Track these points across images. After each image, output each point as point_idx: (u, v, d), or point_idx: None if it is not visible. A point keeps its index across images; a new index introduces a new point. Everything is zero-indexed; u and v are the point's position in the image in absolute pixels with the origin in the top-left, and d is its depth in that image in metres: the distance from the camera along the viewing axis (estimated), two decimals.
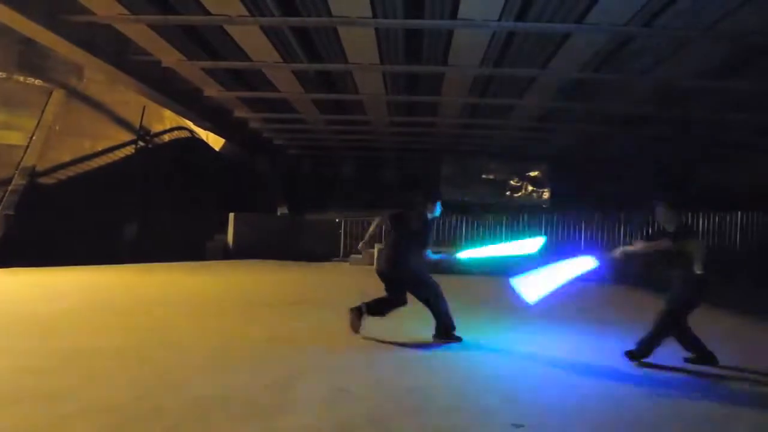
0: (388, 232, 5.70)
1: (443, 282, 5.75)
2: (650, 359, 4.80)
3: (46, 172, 13.45)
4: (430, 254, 5.65)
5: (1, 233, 11.79)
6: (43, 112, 13.77)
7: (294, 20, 9.03)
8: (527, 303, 5.31)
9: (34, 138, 13.38)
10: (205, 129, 19.79)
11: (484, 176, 23.18)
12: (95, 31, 10.11)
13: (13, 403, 3.39)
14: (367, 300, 5.62)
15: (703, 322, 5.06)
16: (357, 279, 11.04)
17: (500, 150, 21.14)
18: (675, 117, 14.16)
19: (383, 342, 5.48)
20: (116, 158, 15.39)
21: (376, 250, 13.26)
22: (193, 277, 10.56)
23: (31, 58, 13.59)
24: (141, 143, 16.38)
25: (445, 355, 5.10)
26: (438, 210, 5.66)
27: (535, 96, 13.04)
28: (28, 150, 13.22)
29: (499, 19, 8.60)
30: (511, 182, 23.22)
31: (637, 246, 5.19)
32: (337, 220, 15.95)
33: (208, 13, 8.91)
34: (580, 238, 15.41)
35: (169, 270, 11.56)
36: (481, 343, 5.62)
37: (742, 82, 11.13)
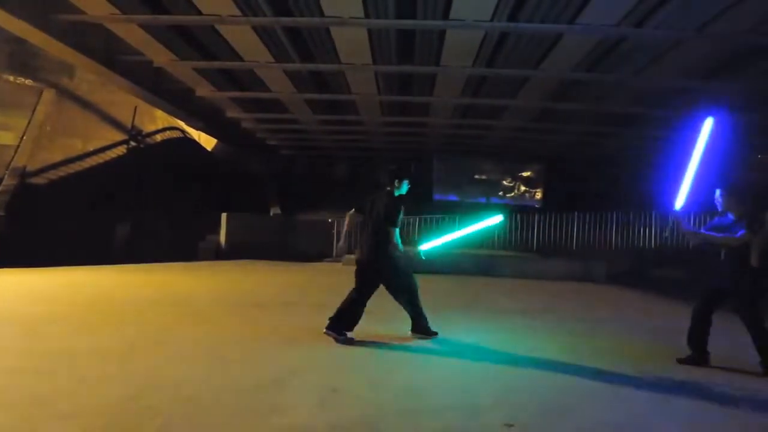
0: (365, 224, 5.53)
1: (432, 282, 5.75)
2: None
3: (37, 173, 13.36)
4: (397, 236, 5.40)
5: None
6: (34, 112, 13.68)
7: (286, 20, 9.02)
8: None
9: (24, 138, 13.29)
10: (197, 129, 19.74)
11: (476, 176, 23.23)
12: (86, 30, 10.06)
13: (3, 404, 3.37)
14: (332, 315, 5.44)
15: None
16: (349, 279, 11.02)
17: (493, 150, 21.20)
18: (668, 116, 14.24)
19: (374, 341, 5.49)
20: (108, 158, 15.31)
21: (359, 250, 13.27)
22: (185, 278, 10.51)
23: (21, 58, 13.51)
24: (133, 143, 16.31)
25: (437, 353, 5.10)
26: (405, 188, 5.53)
27: (528, 96, 13.08)
28: (19, 150, 13.13)
29: (492, 20, 8.63)
30: (504, 182, 23.29)
31: (712, 237, 4.85)
32: (330, 220, 15.94)
33: (200, 12, 8.89)
34: (573, 237, 15.51)
35: (161, 270, 11.50)
36: (472, 341, 5.63)
37: (735, 82, 11.22)
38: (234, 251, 15.16)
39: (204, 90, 13.85)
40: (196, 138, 21.07)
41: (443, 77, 11.95)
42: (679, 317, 4.92)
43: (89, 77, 14.03)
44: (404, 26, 9.20)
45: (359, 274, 5.54)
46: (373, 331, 6.01)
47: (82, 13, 9.17)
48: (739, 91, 11.87)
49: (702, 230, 5.03)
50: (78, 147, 14.48)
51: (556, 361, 5.01)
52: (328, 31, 9.57)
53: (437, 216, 15.54)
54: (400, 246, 5.51)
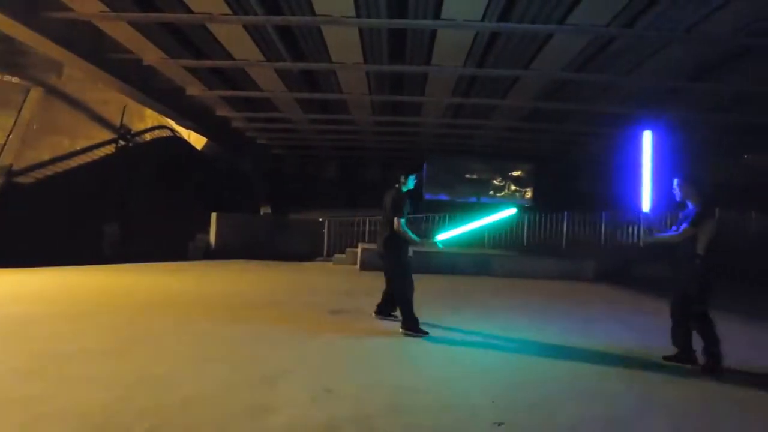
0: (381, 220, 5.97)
1: (425, 281, 5.78)
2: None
3: (24, 171, 13.20)
4: (404, 227, 5.71)
5: None
6: (20, 110, 13.52)
7: (277, 19, 8.99)
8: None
9: (11, 136, 13.13)
10: (186, 128, 19.61)
11: (467, 176, 23.29)
12: (75, 28, 9.96)
13: None
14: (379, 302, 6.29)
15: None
16: (341, 279, 11.04)
17: (483, 150, 21.27)
18: (657, 116, 14.36)
19: (367, 339, 5.49)
20: (96, 157, 15.16)
21: (359, 250, 13.28)
22: (175, 278, 10.46)
23: (8, 56, 13.34)
24: (121, 142, 16.17)
25: (429, 352, 5.12)
26: (412, 182, 5.95)
27: (518, 96, 13.14)
28: (5, 148, 12.97)
29: (482, 20, 8.66)
30: (495, 182, 23.37)
31: (664, 236, 5.13)
32: (320, 220, 15.91)
33: (191, 11, 8.83)
34: (563, 236, 15.60)
35: (150, 270, 11.43)
36: (463, 340, 5.65)
37: (720, 83, 11.34)
38: (224, 251, 15.10)
39: (194, 89, 13.77)
40: (186, 137, 20.93)
41: (434, 77, 11.97)
42: (667, 315, 4.97)
43: (77, 75, 13.88)
44: (396, 25, 9.20)
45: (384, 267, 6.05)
46: (367, 327, 6.02)
47: (71, 10, 9.08)
48: (723, 92, 12.02)
49: (670, 231, 5.10)
50: (65, 145, 14.32)
51: (548, 360, 5.05)
52: (319, 29, 9.55)
53: (429, 215, 15.60)
54: (413, 236, 5.81)
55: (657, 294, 10.24)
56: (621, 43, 9.48)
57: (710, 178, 19.79)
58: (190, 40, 10.58)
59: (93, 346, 4.83)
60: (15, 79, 13.61)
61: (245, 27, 9.52)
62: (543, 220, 15.70)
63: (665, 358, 5.02)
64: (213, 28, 9.67)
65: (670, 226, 5.46)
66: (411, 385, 4.05)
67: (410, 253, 5.95)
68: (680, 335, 4.89)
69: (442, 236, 6.49)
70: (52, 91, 14.21)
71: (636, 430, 3.38)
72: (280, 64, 11.41)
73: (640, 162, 5.16)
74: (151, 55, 11.14)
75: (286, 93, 13.76)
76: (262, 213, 20.80)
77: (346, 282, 10.45)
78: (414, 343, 5.46)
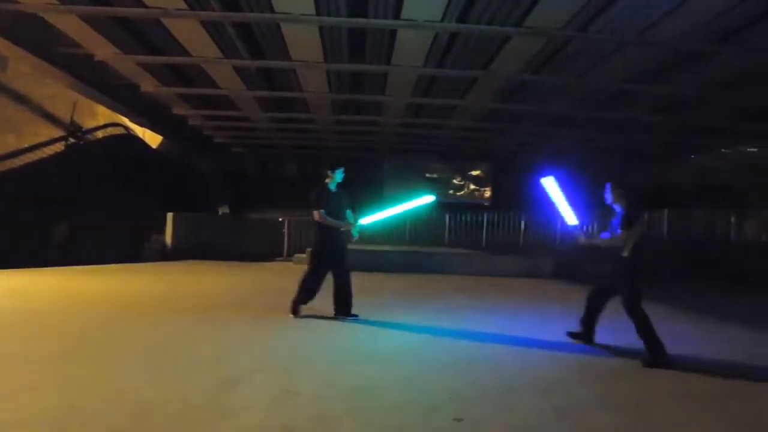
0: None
1: (384, 280, 5.79)
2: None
3: None
4: (327, 217, 6.20)
5: None
6: None
7: (235, 15, 8.85)
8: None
9: None
10: (141, 126, 19.08)
11: (427, 175, 23.48)
12: (22, 21, 9.56)
13: None
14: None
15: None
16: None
17: (443, 149, 21.47)
18: (610, 118, 14.81)
19: (328, 338, 5.47)
20: (44, 155, 14.59)
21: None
22: (129, 279, 10.16)
23: None
24: (72, 140, 15.60)
25: (390, 350, 5.14)
26: (340, 175, 6.44)
27: (477, 96, 13.32)
28: None
29: (442, 20, 8.74)
30: (454, 181, 23.64)
31: (598, 240, 5.59)
32: (281, 219, 15.75)
33: (145, 5, 8.59)
34: (521, 235, 15.93)
35: (103, 272, 11.07)
36: (425, 338, 5.70)
37: (669, 86, 11.78)
38: (181, 252, 14.78)
39: (149, 85, 13.39)
40: (141, 135, 20.35)
41: (395, 76, 12.01)
42: (618, 311, 5.14)
43: (24, 70, 13.32)
44: (356, 25, 9.19)
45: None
46: (328, 327, 6.00)
47: (17, 2, 8.69)
48: (672, 95, 12.50)
49: (602, 236, 5.47)
50: (11, 143, 13.73)
51: (508, 355, 5.14)
52: (278, 27, 9.44)
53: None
54: (335, 222, 6.28)
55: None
56: (576, 46, 9.73)
57: (659, 180, 20.62)
58: (144, 36, 10.30)
59: (43, 351, 4.64)
60: None
61: (202, 23, 9.32)
62: (501, 219, 15.99)
63: (570, 334, 5.58)
64: (168, 23, 9.43)
65: (600, 231, 5.85)
66: (372, 384, 4.05)
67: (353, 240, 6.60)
68: (587, 320, 5.44)
69: (365, 221, 6.79)
70: None
71: (589, 421, 3.47)
72: (238, 62, 11.23)
73: (561, 181, 5.50)
74: (103, 50, 10.77)
75: (244, 91, 13.55)
76: (220, 213, 20.41)
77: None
78: (376, 342, 5.47)
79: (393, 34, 9.61)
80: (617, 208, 5.16)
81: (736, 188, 18.69)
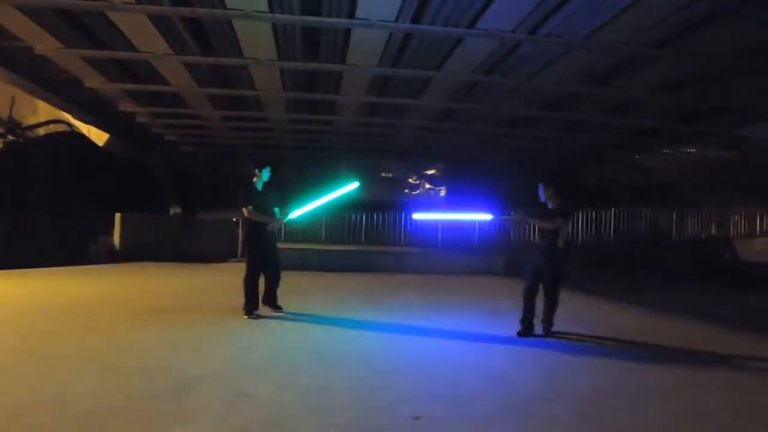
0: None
1: (340, 279, 5.78)
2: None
3: None
4: (255, 215, 6.44)
5: None
6: None
7: (184, 10, 8.61)
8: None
9: None
10: (86, 123, 18.32)
11: (383, 174, 23.55)
12: None
13: None
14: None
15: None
16: None
17: (398, 149, 21.56)
18: (559, 119, 15.23)
19: (282, 340, 5.42)
20: None
21: None
22: (74, 282, 9.77)
23: None
24: (10, 137, 14.86)
25: (343, 351, 5.13)
26: (266, 174, 6.60)
27: (431, 97, 13.44)
28: None
29: (396, 21, 8.77)
30: (409, 180, 23.80)
31: (533, 220, 6.30)
32: (234, 220, 15.47)
33: None
34: (474, 233, 16.19)
35: (45, 275, 10.60)
36: (380, 337, 5.72)
37: (615, 89, 12.22)
38: (130, 253, 14.31)
39: (94, 81, 12.85)
40: (86, 132, 19.53)
41: (349, 75, 11.97)
42: (570, 304, 5.32)
43: None
44: (309, 23, 9.11)
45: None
46: (282, 328, 5.94)
47: None
48: (621, 96, 12.97)
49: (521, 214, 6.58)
50: None
51: (461, 352, 5.22)
52: (230, 23, 9.25)
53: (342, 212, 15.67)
54: (263, 218, 6.49)
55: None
56: (526, 48, 9.96)
57: (609, 179, 21.37)
58: (89, 29, 9.89)
59: None
60: None
61: (150, 17, 9.03)
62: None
63: (519, 334, 5.89)
64: (114, 17, 9.09)
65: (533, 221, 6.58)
66: (327, 385, 4.04)
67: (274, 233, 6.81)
68: (529, 316, 5.93)
69: (294, 214, 7.04)
70: None
71: (545, 412, 3.57)
72: (188, 58, 10.93)
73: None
74: (44, 43, 10.27)
75: (195, 88, 13.21)
76: (171, 213, 19.87)
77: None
78: (329, 342, 5.45)
79: (348, 33, 9.58)
80: (550, 204, 5.93)
81: (677, 187, 19.59)
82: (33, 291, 8.63)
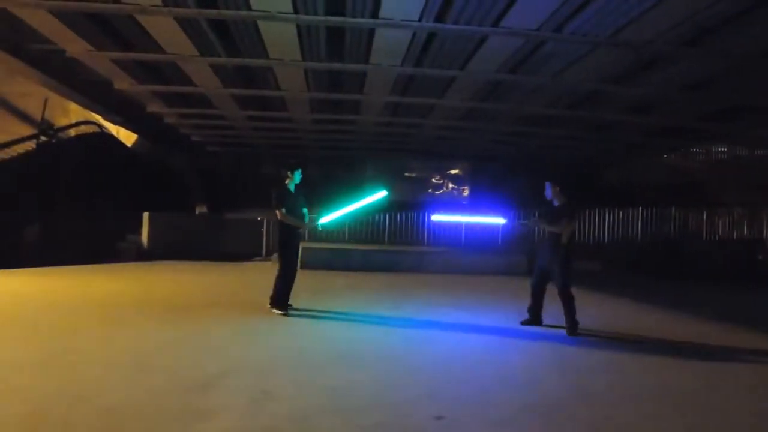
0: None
1: (366, 278, 5.79)
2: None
3: None
4: (289, 217, 6.59)
5: None
6: None
7: (210, 12, 8.74)
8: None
9: None
10: (115, 124, 18.72)
11: (406, 174, 23.52)
12: None
13: None
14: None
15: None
16: None
17: (422, 148, 21.52)
18: (583, 118, 15.02)
19: (305, 338, 5.46)
20: (15, 154, 14.25)
21: (300, 249, 13.18)
22: (103, 281, 9.99)
23: None
24: (43, 138, 15.26)
25: (365, 350, 5.14)
26: (298, 176, 6.82)
27: (455, 96, 13.38)
28: None
29: (420, 20, 8.75)
30: (433, 180, 23.72)
31: (543, 223, 6.50)
32: (259, 219, 15.63)
33: (118, 1, 8.44)
34: (498, 232, 16.07)
35: (76, 273, 10.86)
36: (401, 337, 5.72)
37: (640, 87, 12.00)
38: (157, 252, 14.56)
39: (122, 83, 13.13)
40: (115, 133, 19.97)
41: (373, 75, 12.00)
42: (595, 304, 5.25)
43: None
44: (333, 24, 9.16)
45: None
46: (307, 327, 5.98)
47: None
48: (645, 95, 12.73)
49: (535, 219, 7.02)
50: None
51: (483, 351, 5.18)
52: (255, 25, 9.36)
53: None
54: (296, 221, 6.71)
55: (583, 286, 10.73)
56: (550, 47, 9.84)
57: (637, 179, 20.99)
58: (118, 32, 10.10)
59: (14, 355, 4.55)
60: None
61: (177, 20, 9.19)
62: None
63: (523, 323, 6.32)
64: (143, 20, 9.27)
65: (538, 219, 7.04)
66: (350, 383, 4.06)
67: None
68: (534, 307, 6.31)
69: (325, 219, 7.29)
70: None
71: (567, 414, 3.52)
72: (214, 60, 11.09)
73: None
74: (75, 46, 10.54)
75: (221, 89, 13.40)
76: (197, 212, 20.17)
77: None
78: (350, 342, 5.47)
79: (371, 33, 9.60)
80: (556, 202, 6.21)
81: (707, 187, 19.14)
82: (63, 288, 8.85)
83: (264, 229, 15.37)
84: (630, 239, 15.74)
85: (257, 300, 7.61)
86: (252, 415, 3.36)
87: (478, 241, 15.78)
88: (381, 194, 7.79)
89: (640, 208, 15.94)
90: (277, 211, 6.61)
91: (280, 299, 6.68)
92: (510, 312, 7.57)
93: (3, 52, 10.37)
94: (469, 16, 8.62)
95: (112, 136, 19.69)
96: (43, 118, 15.18)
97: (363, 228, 16.39)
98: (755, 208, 16.14)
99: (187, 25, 9.43)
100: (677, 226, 16.45)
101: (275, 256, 14.17)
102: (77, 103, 15.59)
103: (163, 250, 14.54)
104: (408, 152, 22.41)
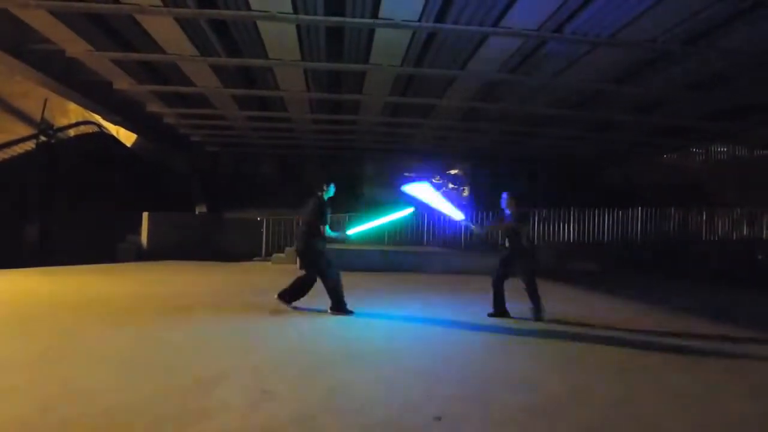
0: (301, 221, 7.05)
1: (367, 278, 5.80)
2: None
3: None
4: (329, 231, 6.81)
5: None
6: None
7: (210, 12, 8.75)
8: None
9: None
10: (115, 124, 18.72)
11: (406, 174, 23.50)
12: None
13: None
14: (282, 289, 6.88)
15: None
16: (279, 278, 10.88)
17: (422, 148, 21.52)
18: (583, 118, 15.03)
19: (306, 338, 5.46)
20: (14, 154, 14.26)
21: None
22: (103, 280, 9.99)
23: None
24: (43, 138, 15.26)
25: (366, 349, 5.14)
26: (332, 190, 7.03)
27: (455, 96, 13.39)
28: None
29: (419, 20, 8.76)
30: (433, 180, 23.71)
31: (492, 226, 7.60)
32: (259, 219, 15.63)
33: (117, 1, 8.44)
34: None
35: (76, 273, 10.87)
36: (402, 336, 5.72)
37: (641, 87, 12.00)
38: (157, 252, 14.58)
39: (122, 83, 13.14)
40: (115, 133, 19.98)
41: (372, 75, 12.00)
42: (594, 303, 5.25)
43: None
44: (333, 24, 9.16)
45: (300, 262, 7.21)
46: (307, 327, 5.98)
47: None
48: (646, 94, 12.73)
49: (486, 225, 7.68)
50: None
51: (484, 350, 5.19)
52: (255, 25, 9.36)
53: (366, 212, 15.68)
54: (336, 235, 7.13)
55: (582, 286, 10.74)
56: (551, 46, 9.85)
57: (637, 178, 21.00)
58: (118, 32, 10.11)
59: (12, 354, 4.55)
60: None
61: (177, 20, 9.19)
62: (480, 218, 16.09)
63: (489, 315, 7.00)
64: (142, 20, 9.28)
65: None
66: (350, 383, 4.06)
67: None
68: (498, 300, 7.04)
69: (352, 231, 7.66)
70: None
71: (568, 415, 3.53)
72: (214, 60, 11.10)
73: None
74: (75, 46, 10.54)
75: (220, 89, 13.40)
76: (197, 212, 20.19)
77: (286, 282, 10.33)
78: (350, 340, 5.47)
79: (371, 33, 9.61)
80: (507, 211, 7.05)
81: (707, 187, 19.15)
82: (63, 288, 8.85)
83: (264, 229, 15.38)
84: (629, 239, 15.75)
85: (257, 300, 7.62)
86: (251, 415, 3.36)
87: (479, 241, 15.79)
88: (407, 212, 8.39)
89: (640, 208, 15.94)
90: (321, 227, 6.72)
91: (341, 304, 6.79)
92: (513, 311, 7.59)
93: (3, 53, 10.36)
94: (470, 16, 8.64)
95: (112, 136, 19.71)
96: (42, 118, 15.19)
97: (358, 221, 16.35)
98: (755, 208, 16.15)
99: (186, 25, 9.44)
100: (677, 226, 16.46)
101: (276, 256, 14.30)
102: (77, 103, 15.60)
103: (163, 250, 14.55)
104: (408, 152, 22.40)
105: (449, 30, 9.17)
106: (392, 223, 8.09)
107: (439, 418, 3.38)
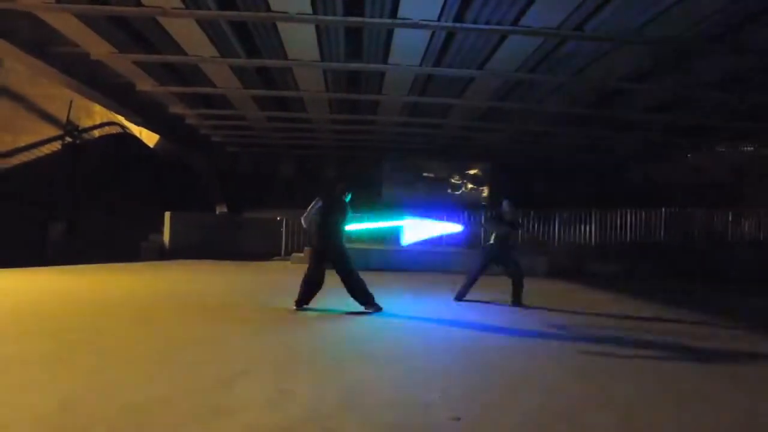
0: (322, 221, 6.96)
1: (383, 277, 5.79)
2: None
3: None
4: (346, 232, 7.19)
5: None
6: None
7: (230, 14, 8.84)
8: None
9: None
10: (138, 125, 19.03)
11: (425, 174, 23.45)
12: (16, 19, 9.52)
13: None
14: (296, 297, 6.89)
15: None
16: (298, 278, 10.91)
17: (440, 148, 21.47)
18: (606, 117, 14.84)
19: (324, 337, 5.48)
20: (41, 154, 14.56)
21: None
22: (126, 279, 10.15)
23: None
24: (68, 139, 15.56)
25: (383, 349, 5.14)
26: (350, 196, 7.25)
27: (474, 96, 13.33)
28: None
29: (438, 20, 8.74)
30: (452, 180, 23.61)
31: (490, 225, 8.42)
32: (278, 218, 15.74)
33: (141, 4, 8.58)
34: (517, 234, 15.92)
35: (100, 271, 11.06)
36: (419, 336, 5.70)
37: (665, 85, 11.81)
38: (178, 251, 14.76)
39: (145, 84, 13.36)
40: (138, 134, 20.30)
41: (391, 75, 12.01)
42: (613, 304, 5.18)
43: (19, 69, 13.28)
44: (352, 24, 9.19)
45: (314, 257, 7.11)
46: (325, 326, 6.00)
47: (11, 1, 8.67)
48: (670, 93, 12.52)
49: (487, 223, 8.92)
50: (7, 142, 13.70)
51: (500, 351, 5.14)
52: (274, 26, 9.44)
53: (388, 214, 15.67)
54: (349, 235, 7.73)
55: (603, 288, 10.59)
56: (572, 45, 9.74)
57: (661, 179, 20.66)
58: (140, 34, 10.28)
59: (38, 351, 4.64)
60: None
61: (198, 22, 9.31)
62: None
63: (455, 299, 8.14)
64: (165, 22, 9.42)
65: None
66: (367, 382, 4.06)
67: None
68: (465, 288, 8.20)
69: (350, 227, 8.16)
70: None
71: (584, 418, 3.48)
72: (234, 61, 11.21)
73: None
74: (99, 49, 10.75)
75: (241, 90, 13.54)
76: (217, 212, 20.40)
77: None
78: (368, 340, 5.47)
79: (390, 33, 9.61)
80: (504, 215, 8.10)
81: (733, 187, 18.73)
82: (86, 286, 9.01)
83: (283, 229, 15.48)
84: (653, 241, 15.49)
85: (276, 299, 7.66)
86: (268, 413, 3.38)
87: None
88: (458, 227, 9.54)
89: (663, 208, 15.68)
90: (344, 228, 7.07)
91: (367, 296, 6.95)
92: (529, 313, 7.52)
93: (29, 55, 10.60)
94: (489, 15, 8.59)
95: (134, 136, 20.02)
96: (68, 120, 15.48)
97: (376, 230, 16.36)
98: None
99: (207, 26, 9.55)
100: (702, 227, 16.14)
101: (295, 256, 14.38)
102: (100, 104, 15.88)
103: (184, 249, 14.73)
104: (427, 152, 22.36)
105: (468, 29, 9.13)
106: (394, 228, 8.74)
107: (458, 419, 3.36)
